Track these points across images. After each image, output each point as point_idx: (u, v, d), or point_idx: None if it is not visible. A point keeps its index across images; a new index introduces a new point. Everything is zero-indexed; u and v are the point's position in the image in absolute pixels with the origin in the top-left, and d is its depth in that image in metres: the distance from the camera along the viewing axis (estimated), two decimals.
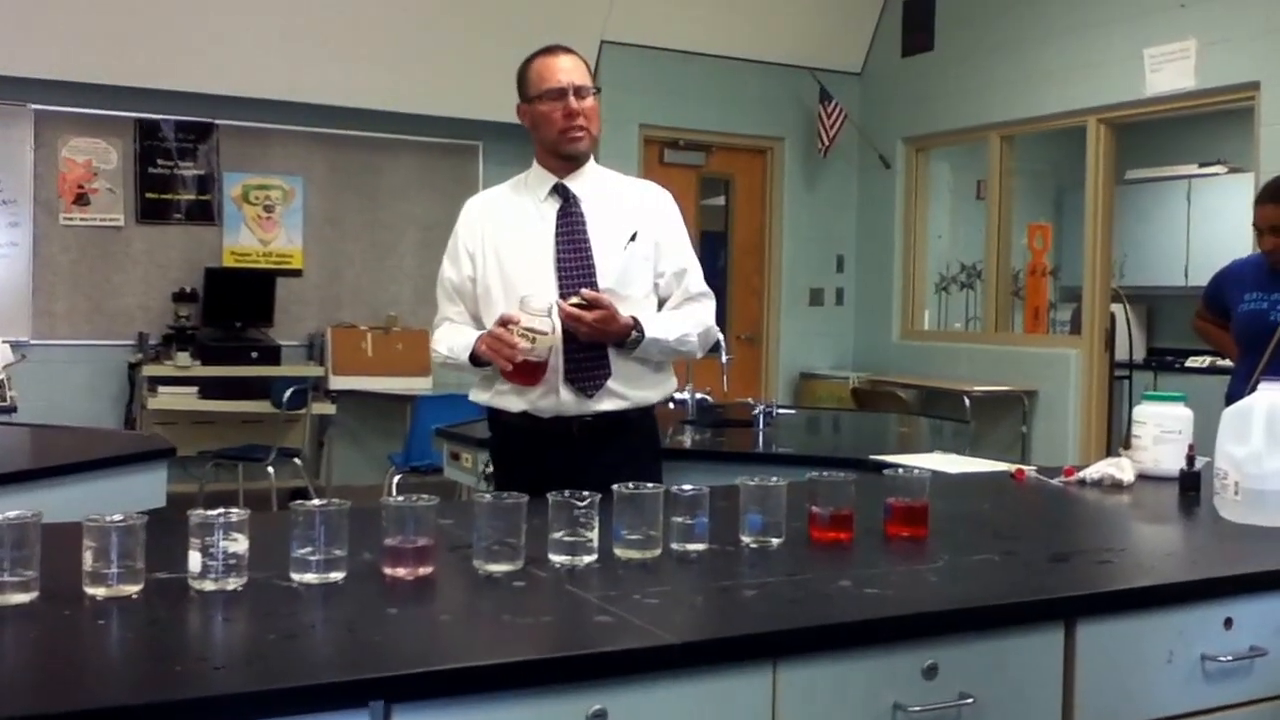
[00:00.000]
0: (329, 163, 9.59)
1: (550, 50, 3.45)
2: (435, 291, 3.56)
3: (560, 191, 3.44)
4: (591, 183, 3.50)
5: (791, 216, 10.56)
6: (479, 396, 3.53)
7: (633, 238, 3.42)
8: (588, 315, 3.21)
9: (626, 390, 3.39)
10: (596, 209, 3.44)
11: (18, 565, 1.97)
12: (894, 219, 10.44)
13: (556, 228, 3.41)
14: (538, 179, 3.48)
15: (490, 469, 3.85)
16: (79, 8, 8.15)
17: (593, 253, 3.39)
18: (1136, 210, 11.19)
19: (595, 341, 3.30)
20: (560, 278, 3.35)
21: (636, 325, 3.29)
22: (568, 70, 3.38)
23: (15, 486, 3.68)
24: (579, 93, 3.37)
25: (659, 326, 3.37)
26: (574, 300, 3.25)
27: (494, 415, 3.52)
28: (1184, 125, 10.43)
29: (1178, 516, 3.16)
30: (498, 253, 3.42)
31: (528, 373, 3.18)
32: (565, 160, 3.44)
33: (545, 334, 3.12)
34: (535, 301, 3.16)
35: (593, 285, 3.32)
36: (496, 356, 3.16)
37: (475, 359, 3.31)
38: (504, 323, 3.14)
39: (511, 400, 3.40)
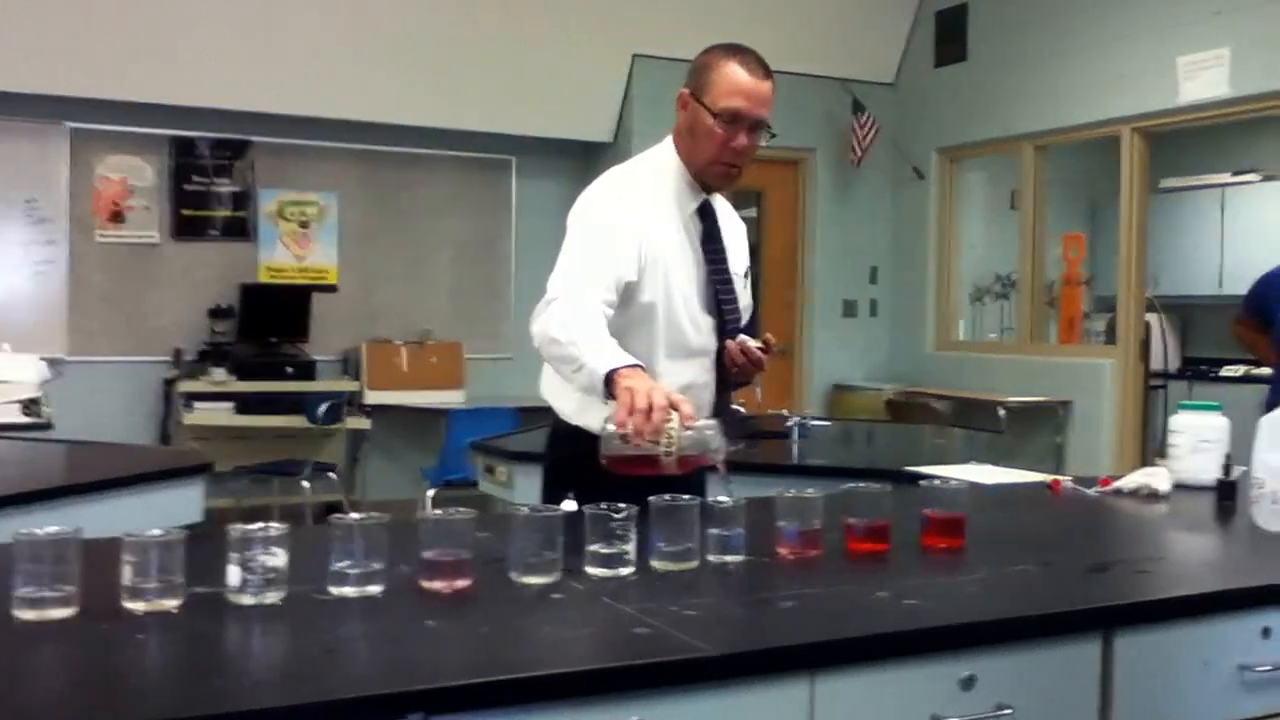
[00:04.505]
0: (363, 179, 9.64)
1: (749, 62, 3.01)
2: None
3: (704, 213, 3.10)
4: (720, 205, 3.19)
5: (824, 228, 10.53)
6: (562, 405, 3.12)
7: (745, 274, 3.22)
8: (764, 362, 2.97)
9: None
10: (726, 240, 3.15)
11: (57, 581, 1.97)
12: (927, 229, 10.41)
13: (705, 255, 3.07)
14: (684, 190, 3.07)
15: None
16: (115, 26, 8.21)
17: (735, 291, 3.13)
18: (1171, 219, 11.14)
19: (738, 383, 3.10)
20: (719, 316, 3.08)
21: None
22: (761, 102, 2.98)
23: (54, 503, 3.70)
24: (755, 127, 2.99)
25: None
26: (757, 343, 2.99)
27: (572, 429, 3.06)
28: (1218, 133, 10.38)
29: (1215, 526, 3.15)
30: (666, 270, 2.99)
31: (629, 460, 2.54)
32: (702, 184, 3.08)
33: (675, 449, 2.49)
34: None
35: (738, 326, 3.10)
36: (629, 414, 2.47)
37: (609, 384, 2.61)
38: (675, 405, 2.50)
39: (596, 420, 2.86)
